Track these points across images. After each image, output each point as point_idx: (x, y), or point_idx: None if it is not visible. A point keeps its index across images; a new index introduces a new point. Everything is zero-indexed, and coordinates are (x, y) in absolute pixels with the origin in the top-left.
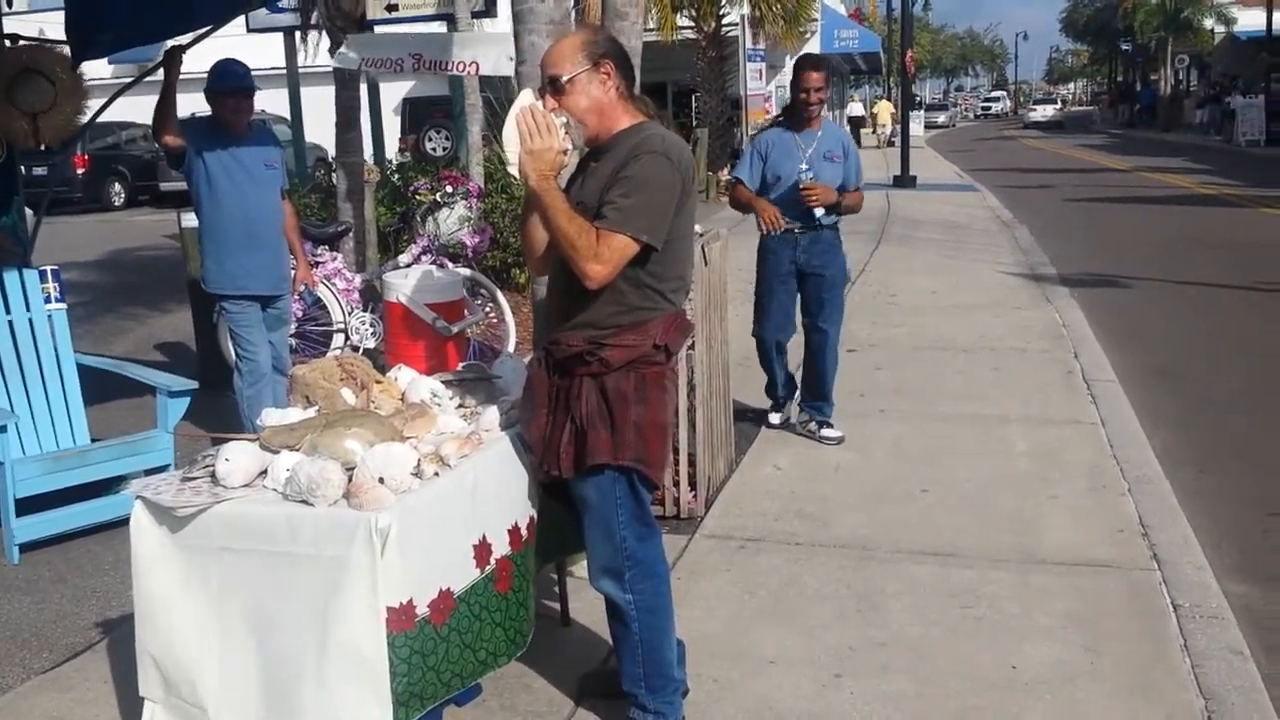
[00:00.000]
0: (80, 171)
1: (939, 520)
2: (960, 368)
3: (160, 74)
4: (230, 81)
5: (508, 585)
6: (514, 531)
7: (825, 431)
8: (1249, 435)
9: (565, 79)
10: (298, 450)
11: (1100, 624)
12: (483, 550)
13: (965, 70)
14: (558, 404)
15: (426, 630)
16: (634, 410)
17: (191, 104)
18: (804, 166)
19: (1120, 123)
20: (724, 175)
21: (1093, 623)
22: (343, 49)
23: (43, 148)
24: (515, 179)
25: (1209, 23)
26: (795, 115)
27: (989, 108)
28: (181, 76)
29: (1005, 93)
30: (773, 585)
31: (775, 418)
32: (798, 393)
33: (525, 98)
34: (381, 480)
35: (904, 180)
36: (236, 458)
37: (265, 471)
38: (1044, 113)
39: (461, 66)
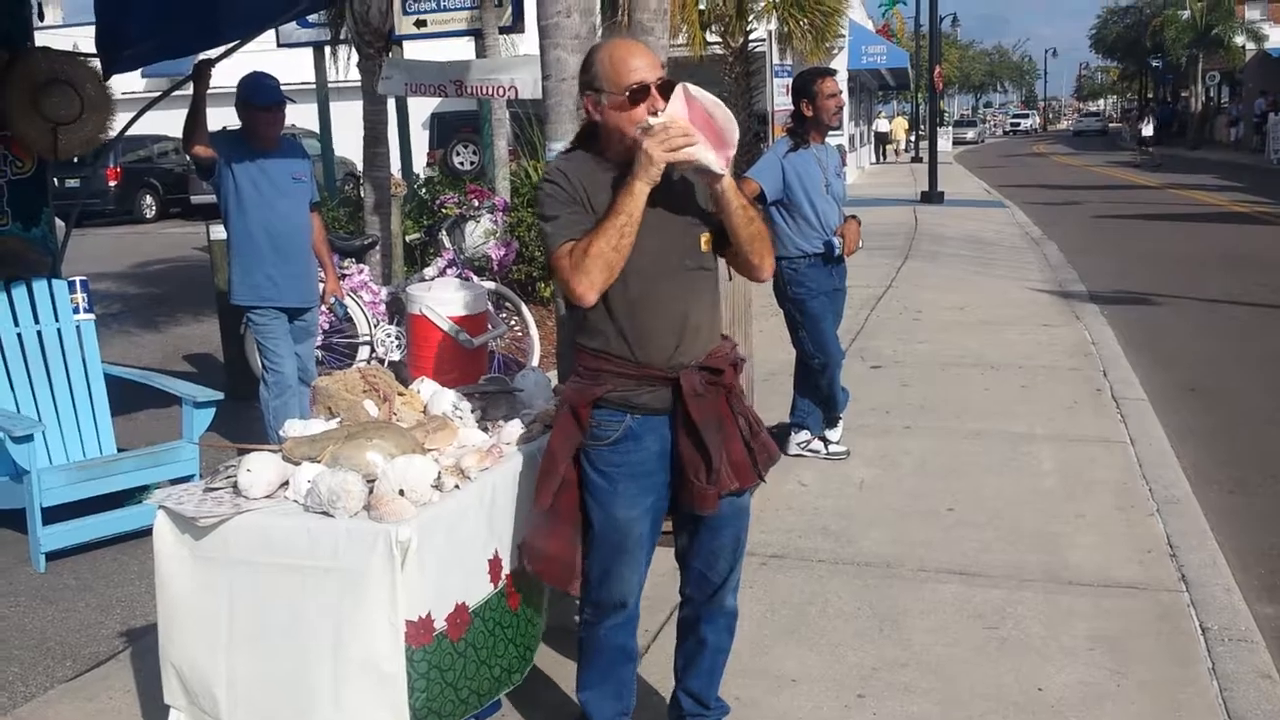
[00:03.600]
0: (112, 184)
1: (964, 539)
2: (987, 385)
3: (190, 87)
4: (262, 96)
5: (518, 601)
6: None
7: (833, 448)
8: None
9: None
10: (319, 462)
11: (1127, 646)
12: (495, 565)
13: (994, 86)
14: (721, 420)
15: (444, 645)
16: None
17: (222, 118)
18: (824, 183)
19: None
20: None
21: (1119, 644)
22: (385, 76)
23: (75, 160)
24: (721, 171)
25: (1240, 40)
26: (819, 128)
27: (1018, 124)
28: (211, 90)
29: (1034, 111)
30: (795, 603)
31: (837, 433)
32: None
33: (691, 89)
34: (402, 492)
35: (931, 196)
36: (259, 469)
37: (287, 483)
38: (1088, 124)
39: (501, 90)
